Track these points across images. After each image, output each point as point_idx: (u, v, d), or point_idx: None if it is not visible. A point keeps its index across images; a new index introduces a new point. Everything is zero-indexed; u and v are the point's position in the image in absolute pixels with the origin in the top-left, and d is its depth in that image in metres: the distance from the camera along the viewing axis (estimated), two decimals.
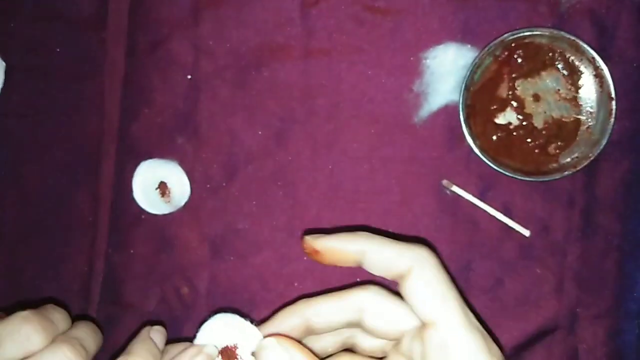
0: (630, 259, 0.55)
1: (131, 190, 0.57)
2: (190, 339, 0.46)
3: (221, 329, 0.44)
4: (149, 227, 0.58)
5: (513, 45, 0.54)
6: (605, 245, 0.55)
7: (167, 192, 0.56)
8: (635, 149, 0.55)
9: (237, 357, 0.43)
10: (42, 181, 0.59)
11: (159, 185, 0.56)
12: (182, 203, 0.57)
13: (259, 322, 0.44)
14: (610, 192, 0.55)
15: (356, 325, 0.43)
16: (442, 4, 0.55)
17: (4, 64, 0.60)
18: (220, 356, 0.43)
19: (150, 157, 0.57)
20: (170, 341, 0.48)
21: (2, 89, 0.59)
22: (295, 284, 0.57)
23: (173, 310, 0.57)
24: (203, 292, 0.57)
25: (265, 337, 0.42)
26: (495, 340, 0.41)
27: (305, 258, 0.53)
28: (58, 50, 0.59)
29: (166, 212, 0.57)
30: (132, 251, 0.57)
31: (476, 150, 0.53)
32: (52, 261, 0.58)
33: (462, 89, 0.53)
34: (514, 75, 0.55)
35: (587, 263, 0.55)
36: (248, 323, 0.44)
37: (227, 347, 0.43)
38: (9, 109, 0.59)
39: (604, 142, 0.53)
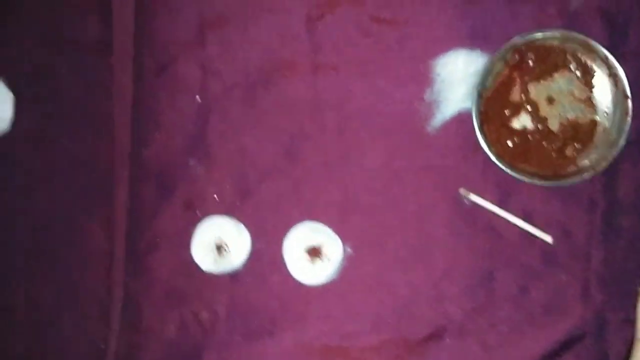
0: None
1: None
2: None
3: (307, 233, 0.55)
4: (166, 252, 0.57)
5: (524, 48, 0.53)
6: (629, 247, 0.54)
7: (224, 250, 0.55)
8: None
9: (322, 254, 0.54)
10: (54, 209, 0.59)
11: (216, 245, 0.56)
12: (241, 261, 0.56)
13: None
14: (631, 193, 0.54)
15: None
16: (449, 11, 0.55)
17: (11, 95, 0.60)
18: (307, 254, 0.54)
19: (173, 189, 0.57)
20: None
21: (11, 119, 0.59)
22: (315, 303, 0.56)
23: (193, 335, 0.56)
24: (223, 316, 0.56)
25: None
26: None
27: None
28: (66, 76, 0.59)
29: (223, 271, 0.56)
30: (149, 277, 0.57)
31: (492, 157, 0.52)
32: (70, 290, 0.58)
33: (475, 95, 0.52)
34: (526, 79, 0.54)
35: (612, 266, 0.54)
36: (329, 230, 0.54)
37: (313, 246, 0.54)
38: (19, 136, 0.59)
39: (621, 142, 0.52)
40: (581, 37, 0.53)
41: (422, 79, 0.55)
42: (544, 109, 0.54)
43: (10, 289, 0.59)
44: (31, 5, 0.59)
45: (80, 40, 0.59)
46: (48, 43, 0.59)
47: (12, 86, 0.59)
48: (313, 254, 0.55)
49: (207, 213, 0.57)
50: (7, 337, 0.59)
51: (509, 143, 0.54)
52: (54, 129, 0.59)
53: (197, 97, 0.57)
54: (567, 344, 0.54)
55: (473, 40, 0.54)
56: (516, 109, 0.54)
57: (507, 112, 0.54)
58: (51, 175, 0.59)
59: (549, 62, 0.54)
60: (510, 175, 0.52)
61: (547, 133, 0.54)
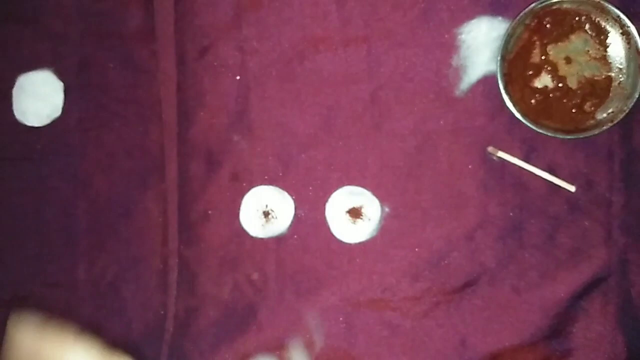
0: None
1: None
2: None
3: (347, 196, 0.58)
4: (216, 221, 0.61)
5: (541, 13, 0.57)
6: None
7: (271, 217, 0.59)
8: None
9: (362, 214, 0.57)
10: (111, 189, 0.63)
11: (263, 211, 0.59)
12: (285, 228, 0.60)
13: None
14: None
15: None
16: None
17: (62, 84, 0.64)
18: (348, 214, 0.58)
19: (220, 163, 0.61)
20: None
21: (62, 107, 0.64)
22: (358, 260, 0.60)
23: (246, 296, 0.61)
24: (272, 276, 0.61)
25: None
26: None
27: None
28: (111, 65, 0.63)
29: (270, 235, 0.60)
30: (202, 245, 0.62)
31: (518, 115, 0.56)
32: (128, 263, 0.63)
33: (499, 59, 0.56)
34: (545, 41, 0.58)
35: (632, 211, 0.58)
36: (368, 192, 0.58)
37: (353, 207, 0.58)
38: (71, 125, 0.64)
39: (636, 95, 0.56)
40: None
41: (449, 46, 0.58)
42: (563, 69, 0.58)
43: (73, 266, 0.63)
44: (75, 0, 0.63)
45: (124, 29, 0.63)
46: (93, 34, 0.63)
47: (62, 77, 0.64)
48: (354, 214, 0.59)
49: (252, 184, 0.61)
50: (71, 310, 0.63)
51: (532, 101, 0.58)
52: (105, 115, 0.63)
53: (237, 76, 0.61)
54: (593, 285, 0.58)
55: (494, 7, 0.58)
56: (537, 70, 0.58)
57: (529, 73, 0.58)
58: (105, 159, 0.63)
59: (565, 24, 0.58)
60: (535, 131, 0.56)
61: (566, 91, 0.58)
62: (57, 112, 0.64)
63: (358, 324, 0.60)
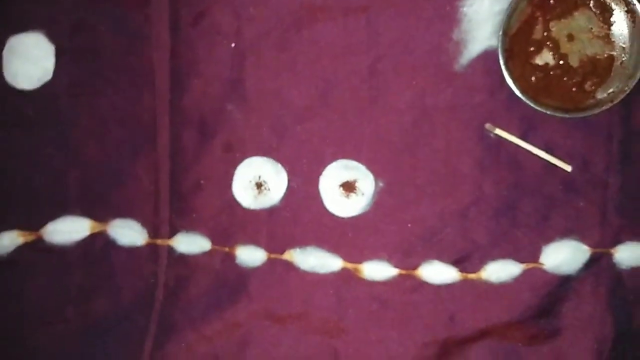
0: None
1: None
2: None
3: (341, 170, 0.58)
4: (208, 191, 0.61)
5: None
6: None
7: (264, 189, 0.58)
8: None
9: (356, 188, 0.57)
10: (102, 157, 0.62)
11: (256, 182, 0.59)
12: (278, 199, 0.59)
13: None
14: None
15: None
16: None
17: (53, 46, 0.62)
18: (341, 188, 0.58)
19: (213, 133, 0.60)
20: None
21: (53, 71, 0.62)
22: (350, 235, 0.60)
23: (237, 266, 0.61)
24: (263, 247, 0.60)
25: None
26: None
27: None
28: (104, 29, 0.61)
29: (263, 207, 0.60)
30: (194, 215, 0.61)
31: (517, 92, 0.55)
32: None
33: (500, 34, 0.55)
34: (547, 17, 0.57)
35: (628, 193, 0.57)
36: (362, 166, 0.57)
37: (347, 181, 0.58)
38: (61, 90, 0.62)
39: (638, 75, 0.55)
40: None
41: (450, 19, 0.57)
42: (565, 46, 0.57)
43: None
44: None
45: None
46: None
47: (53, 39, 0.62)
48: (347, 188, 0.59)
49: (246, 154, 0.61)
50: (61, 277, 0.63)
51: (533, 79, 0.57)
52: (96, 81, 0.62)
53: (233, 44, 0.60)
54: (585, 266, 0.58)
55: None
56: (539, 46, 0.57)
57: (530, 49, 0.57)
58: (97, 126, 0.62)
59: (569, 1, 0.57)
60: (534, 110, 0.56)
61: (567, 69, 0.57)
62: (47, 75, 0.62)
63: (348, 297, 0.60)
